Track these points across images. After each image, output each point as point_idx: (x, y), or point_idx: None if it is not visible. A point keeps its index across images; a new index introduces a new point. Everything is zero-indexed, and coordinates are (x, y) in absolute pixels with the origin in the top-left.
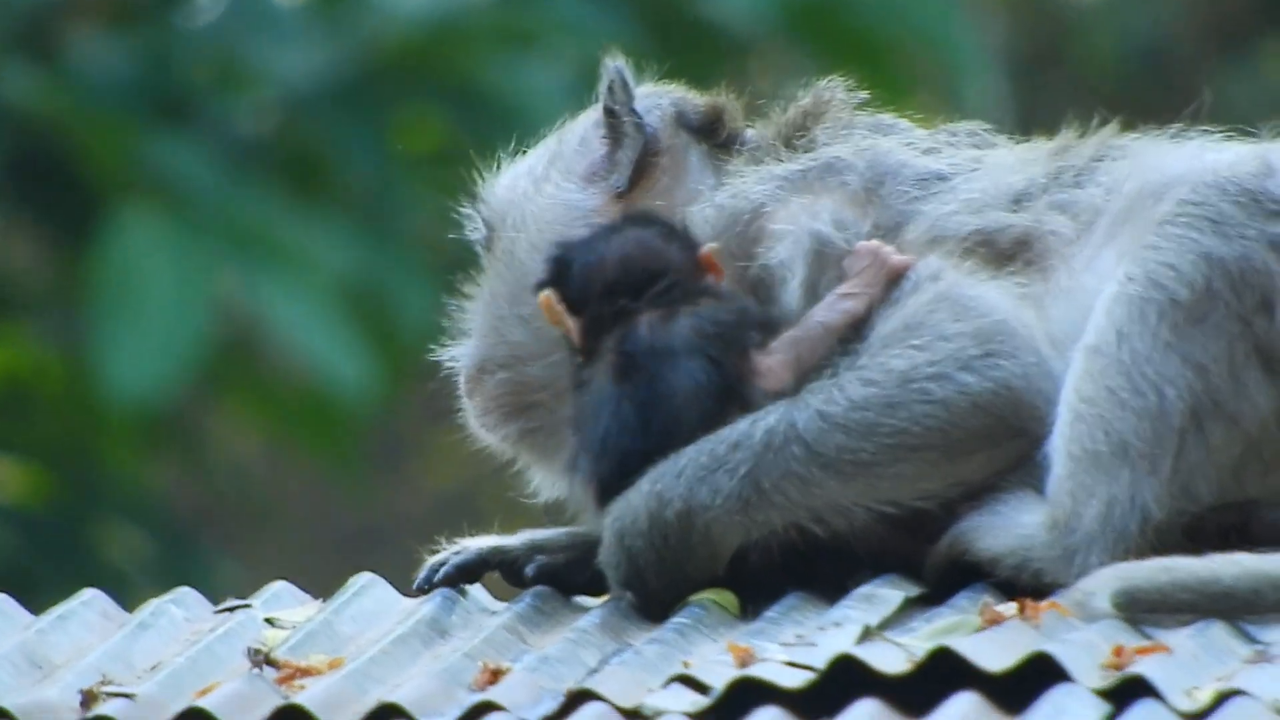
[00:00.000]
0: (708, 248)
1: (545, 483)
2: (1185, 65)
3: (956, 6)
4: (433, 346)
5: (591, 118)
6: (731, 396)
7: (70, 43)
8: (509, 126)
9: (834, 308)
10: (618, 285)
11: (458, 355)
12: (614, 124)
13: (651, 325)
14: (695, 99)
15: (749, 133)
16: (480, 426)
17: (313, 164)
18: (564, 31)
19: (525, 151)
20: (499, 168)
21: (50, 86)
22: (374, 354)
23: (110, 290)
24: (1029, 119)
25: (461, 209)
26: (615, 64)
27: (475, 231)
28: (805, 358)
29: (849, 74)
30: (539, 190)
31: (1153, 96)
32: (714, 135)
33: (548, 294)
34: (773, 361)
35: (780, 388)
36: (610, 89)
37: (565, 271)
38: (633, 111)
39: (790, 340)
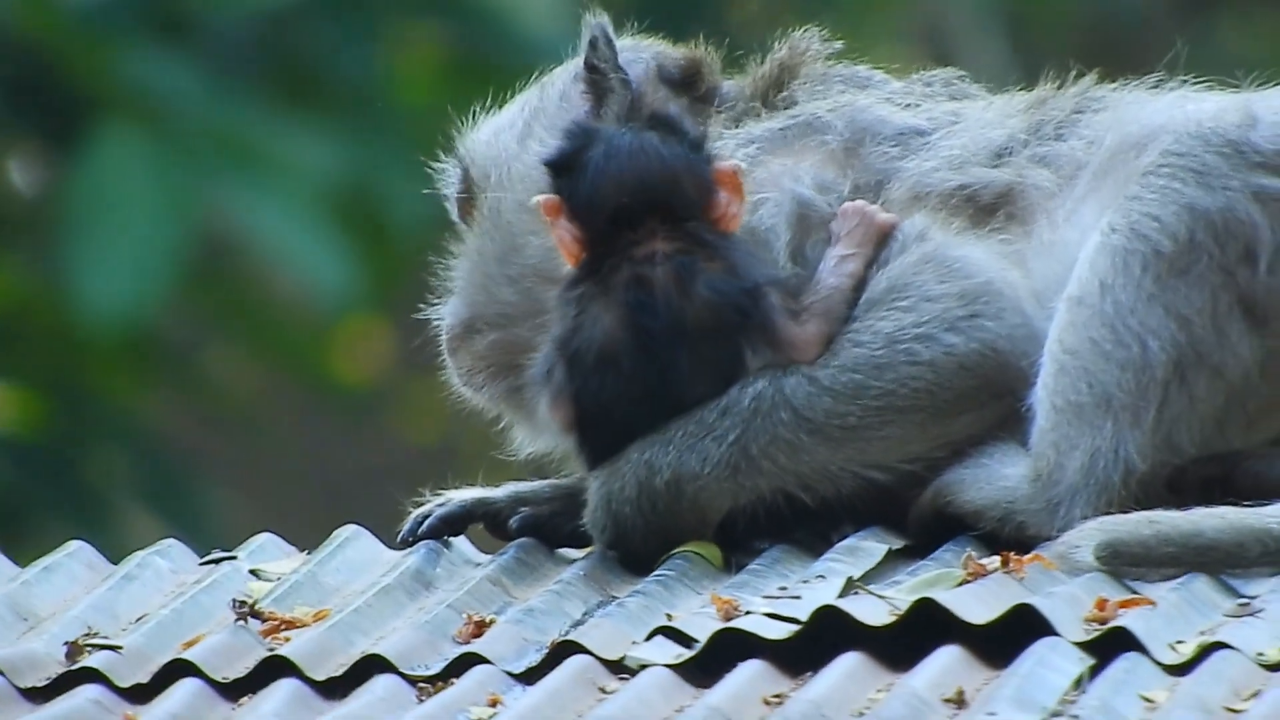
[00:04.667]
0: (728, 164)
1: (528, 438)
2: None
3: None
4: (419, 265)
5: (571, 71)
6: (742, 375)
7: None
8: (502, 38)
9: (838, 271)
10: (631, 211)
11: (443, 313)
12: (596, 80)
13: (667, 293)
14: (674, 52)
15: (727, 85)
16: (465, 384)
17: (301, 74)
18: None
19: (503, 104)
20: (476, 121)
21: (34, 3)
22: (360, 261)
23: (88, 208)
24: (1015, 74)
25: (441, 156)
26: (597, 20)
27: (451, 186)
28: (832, 326)
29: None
30: (523, 147)
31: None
32: (693, 89)
33: (547, 201)
34: (807, 334)
35: (813, 359)
36: (593, 45)
37: (574, 176)
38: (618, 68)
39: (821, 310)
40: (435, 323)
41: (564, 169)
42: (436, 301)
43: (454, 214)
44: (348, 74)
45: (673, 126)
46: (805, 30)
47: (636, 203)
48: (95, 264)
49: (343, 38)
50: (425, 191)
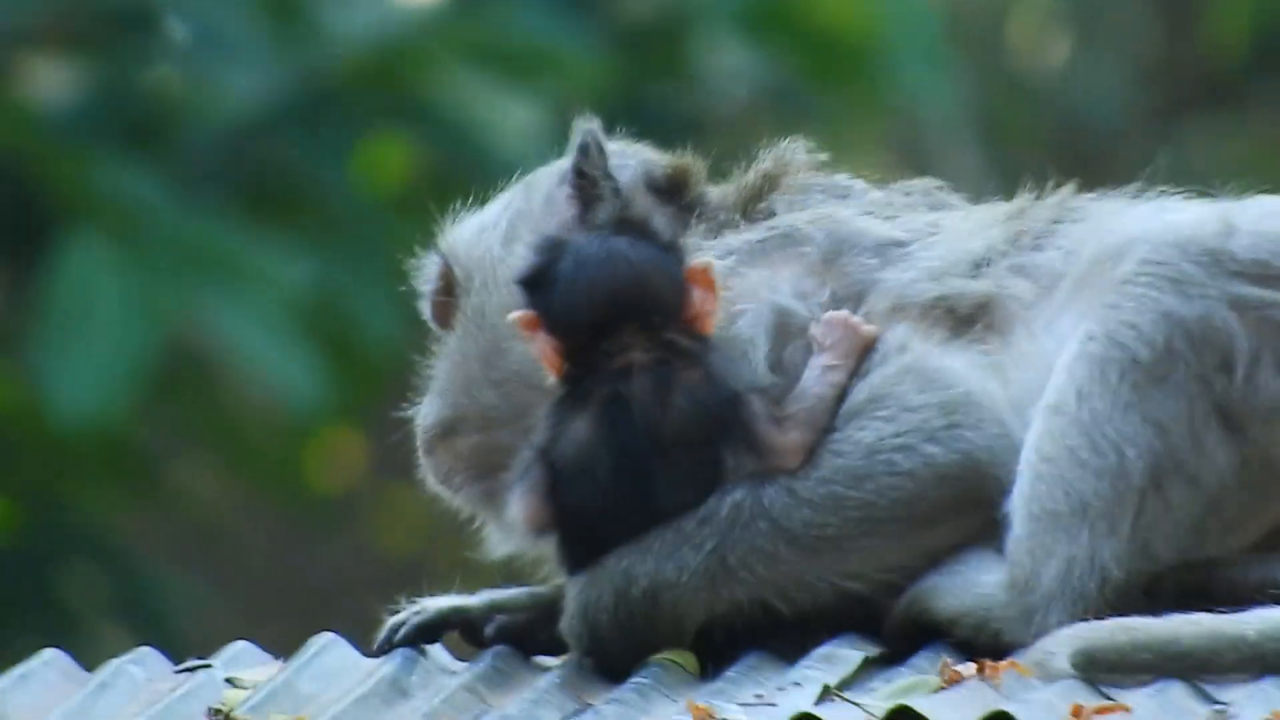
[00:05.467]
0: (700, 263)
1: (502, 541)
2: (1120, 144)
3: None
4: (391, 378)
5: (556, 174)
6: (719, 485)
7: (26, 69)
8: (476, 154)
9: (823, 380)
10: (604, 323)
11: (421, 411)
12: (584, 186)
13: (645, 407)
14: (661, 160)
15: (711, 193)
16: (442, 484)
17: (272, 184)
18: (533, 54)
19: (484, 201)
20: (458, 217)
21: (5, 112)
22: (331, 377)
23: (59, 316)
24: (991, 182)
25: (417, 256)
26: (588, 126)
27: (428, 283)
28: (815, 435)
29: (813, 77)
30: (508, 250)
31: (1095, 168)
32: (679, 197)
33: (524, 316)
34: (791, 442)
35: (796, 468)
36: (584, 150)
37: (546, 289)
38: (609, 176)
39: (805, 419)
40: (412, 425)
41: (535, 284)
42: (412, 405)
43: (427, 312)
44: (319, 186)
45: (642, 229)
46: (791, 141)
47: (609, 312)
48: (65, 372)
49: (314, 150)
50: (401, 289)
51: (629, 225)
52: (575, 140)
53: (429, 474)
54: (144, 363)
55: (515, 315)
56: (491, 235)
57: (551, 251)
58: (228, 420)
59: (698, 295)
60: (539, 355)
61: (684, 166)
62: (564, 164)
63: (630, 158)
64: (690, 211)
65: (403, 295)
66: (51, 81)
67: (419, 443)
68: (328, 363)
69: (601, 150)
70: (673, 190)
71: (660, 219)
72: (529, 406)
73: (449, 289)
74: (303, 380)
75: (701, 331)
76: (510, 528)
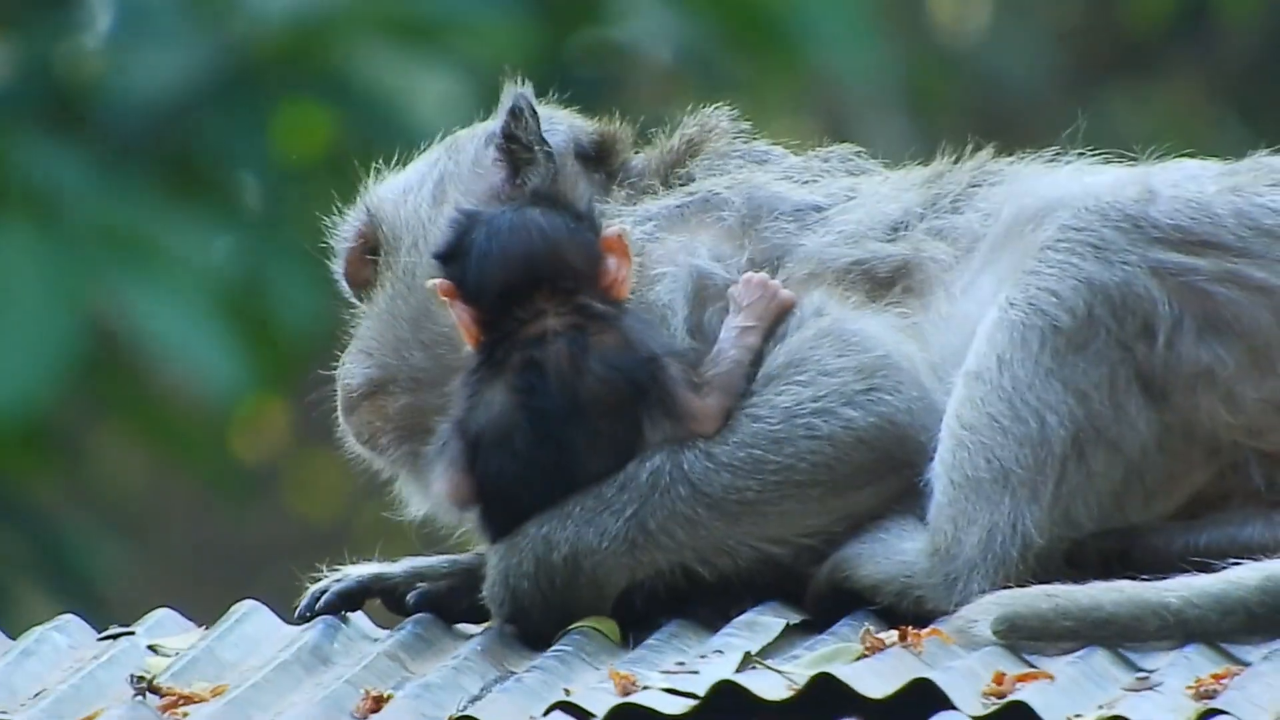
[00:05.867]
0: (613, 230)
1: (421, 504)
2: (1040, 110)
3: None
4: (312, 353)
5: (481, 135)
6: (637, 451)
7: None
8: (395, 126)
9: (738, 343)
10: (517, 289)
11: (348, 371)
12: (514, 150)
13: (560, 372)
14: (588, 126)
15: (637, 158)
16: (364, 444)
17: (192, 165)
18: (452, 25)
19: (406, 161)
20: (380, 175)
21: None
22: (250, 358)
23: None
24: (912, 148)
25: (338, 214)
26: (520, 90)
27: (345, 240)
28: (732, 400)
29: (732, 42)
30: (438, 211)
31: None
32: (604, 164)
33: (442, 284)
34: (708, 407)
35: (714, 432)
36: (515, 114)
37: (461, 260)
38: (542, 140)
39: (721, 383)
40: (333, 390)
41: (451, 256)
42: (334, 369)
43: (339, 268)
44: (238, 163)
45: (554, 199)
46: (716, 107)
47: (522, 279)
48: None
49: (233, 127)
50: (320, 264)
51: (542, 196)
52: (505, 103)
53: (351, 434)
54: (65, 347)
55: (432, 283)
56: (418, 196)
57: (466, 224)
58: (149, 395)
59: (612, 263)
60: (458, 324)
61: (610, 133)
62: (489, 126)
63: (559, 123)
64: (613, 178)
65: (322, 271)
66: None
67: (341, 402)
68: (247, 342)
69: (534, 114)
70: (599, 157)
71: (583, 185)
72: (456, 369)
73: (371, 247)
74: (222, 363)
75: (616, 298)
76: (434, 500)
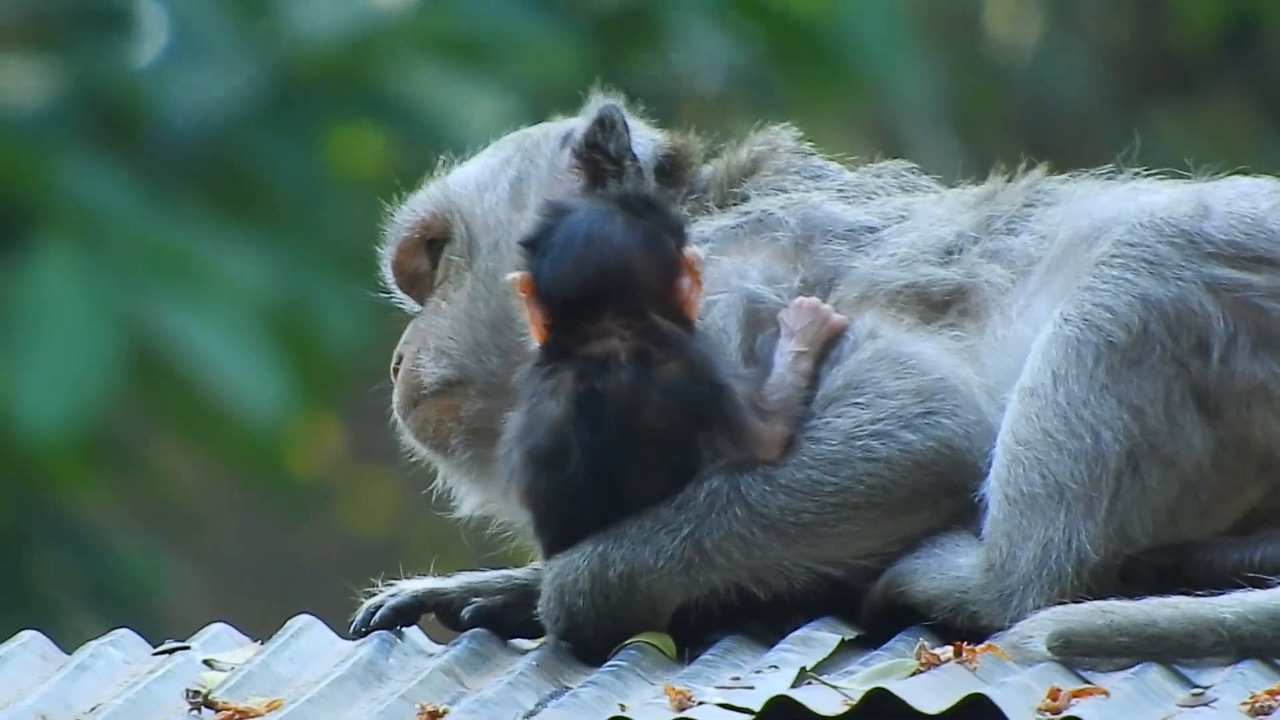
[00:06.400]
0: (691, 250)
1: (474, 503)
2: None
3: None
4: (361, 370)
5: (555, 138)
6: (693, 475)
7: None
8: (444, 145)
9: (794, 368)
10: (585, 303)
11: (422, 368)
12: (596, 159)
13: (619, 405)
14: (662, 139)
15: (703, 172)
16: (428, 442)
17: (240, 184)
18: (503, 45)
19: (470, 157)
20: (451, 168)
21: None
22: (294, 379)
23: (26, 320)
24: (962, 164)
25: (397, 206)
26: (611, 102)
27: (406, 227)
28: (794, 425)
29: (779, 61)
30: (518, 213)
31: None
32: (675, 179)
33: (521, 278)
34: (774, 433)
35: (778, 458)
36: (603, 124)
37: (539, 255)
38: (632, 154)
39: (784, 409)
40: (400, 379)
41: (533, 246)
42: (385, 385)
43: (391, 253)
44: (287, 183)
45: (645, 205)
46: (784, 126)
47: (591, 294)
48: (32, 375)
49: (282, 147)
50: (368, 288)
51: (631, 201)
52: (591, 112)
53: (412, 431)
54: (111, 369)
55: (512, 276)
56: (495, 194)
57: (553, 216)
58: (201, 411)
59: (686, 282)
60: (529, 320)
61: (684, 147)
62: (564, 128)
63: (642, 135)
64: (679, 192)
65: (368, 291)
66: (18, 80)
67: (406, 397)
68: (293, 362)
69: (626, 127)
70: (672, 171)
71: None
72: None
73: (433, 238)
74: (267, 383)
75: (686, 318)
76: (498, 503)
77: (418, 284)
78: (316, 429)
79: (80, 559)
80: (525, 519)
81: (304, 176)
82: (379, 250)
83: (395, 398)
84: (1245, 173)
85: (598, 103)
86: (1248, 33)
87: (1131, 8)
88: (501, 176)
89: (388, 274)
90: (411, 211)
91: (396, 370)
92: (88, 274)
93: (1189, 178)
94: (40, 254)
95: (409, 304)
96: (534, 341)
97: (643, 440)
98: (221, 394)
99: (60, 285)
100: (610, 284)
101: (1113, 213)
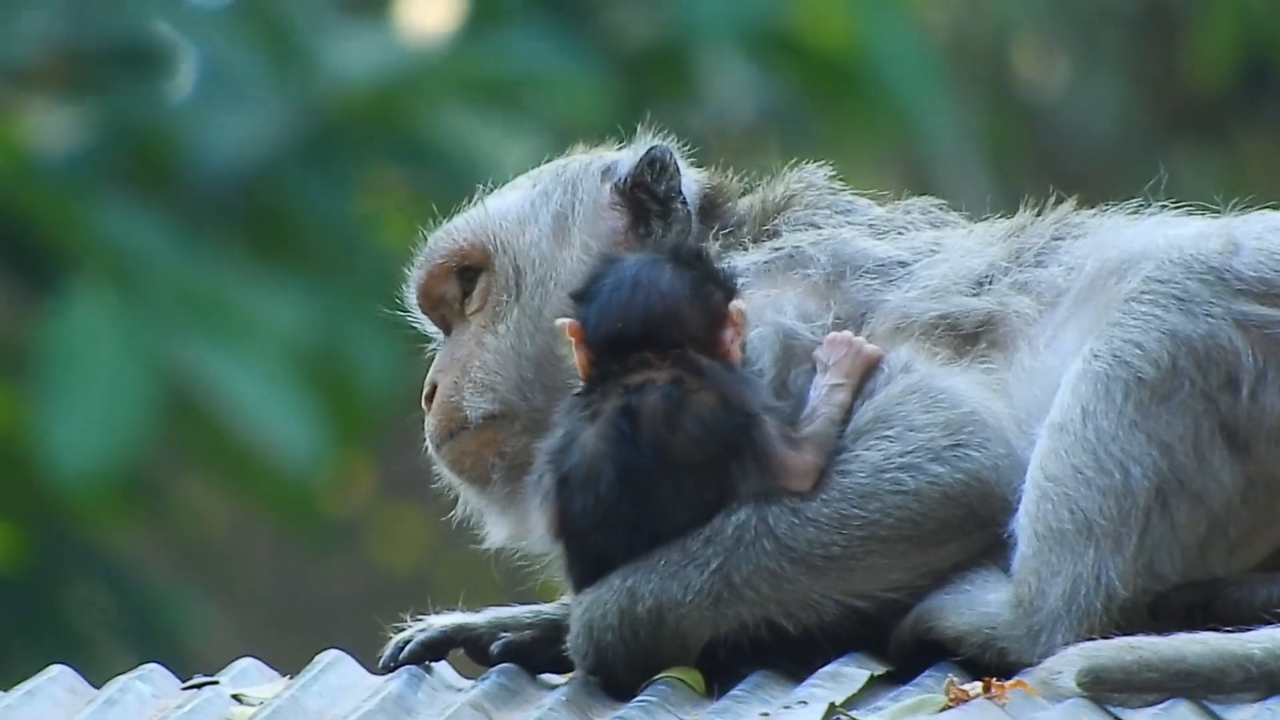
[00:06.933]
0: (737, 304)
1: (504, 535)
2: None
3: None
4: (392, 407)
5: (595, 172)
6: (726, 504)
7: (25, 110)
8: (477, 186)
9: (829, 400)
10: (627, 342)
11: (465, 401)
12: (641, 199)
13: (653, 427)
14: (703, 179)
15: (738, 208)
16: (464, 474)
17: (272, 226)
18: (535, 85)
19: (502, 186)
20: (487, 197)
21: (7, 156)
22: (328, 423)
23: (57, 363)
24: (991, 200)
25: (431, 231)
26: (663, 144)
27: (439, 253)
28: (826, 457)
29: (810, 97)
30: (565, 249)
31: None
32: (710, 216)
33: (571, 324)
34: (805, 464)
35: (809, 489)
36: (652, 165)
37: (586, 304)
38: (682, 198)
39: (816, 440)
40: (436, 409)
41: (581, 298)
42: (414, 424)
43: (419, 277)
44: (320, 226)
45: (695, 258)
46: (820, 164)
47: (634, 337)
48: (65, 415)
49: (315, 189)
50: (401, 331)
51: (682, 253)
52: (640, 151)
53: (447, 462)
54: (145, 408)
55: (562, 323)
56: (538, 229)
57: (604, 269)
58: (231, 450)
59: (729, 334)
60: (578, 365)
61: (720, 186)
62: (602, 161)
63: (688, 177)
64: (711, 228)
65: (402, 337)
66: (52, 123)
67: (444, 428)
68: (326, 405)
69: (677, 171)
70: (709, 209)
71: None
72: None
73: (468, 266)
74: (301, 427)
75: (726, 360)
76: (528, 532)
77: (442, 308)
78: (347, 466)
79: (112, 595)
80: (555, 549)
81: (338, 218)
82: (406, 272)
83: (429, 426)
84: (1274, 207)
85: (645, 141)
86: (1267, 71)
87: (1157, 47)
88: (543, 210)
89: (412, 295)
90: (448, 237)
91: (430, 398)
92: (122, 316)
93: (1217, 212)
94: (74, 296)
95: (427, 326)
96: (579, 381)
97: (674, 467)
98: (256, 437)
99: (94, 327)
100: (654, 326)
101: (1140, 246)
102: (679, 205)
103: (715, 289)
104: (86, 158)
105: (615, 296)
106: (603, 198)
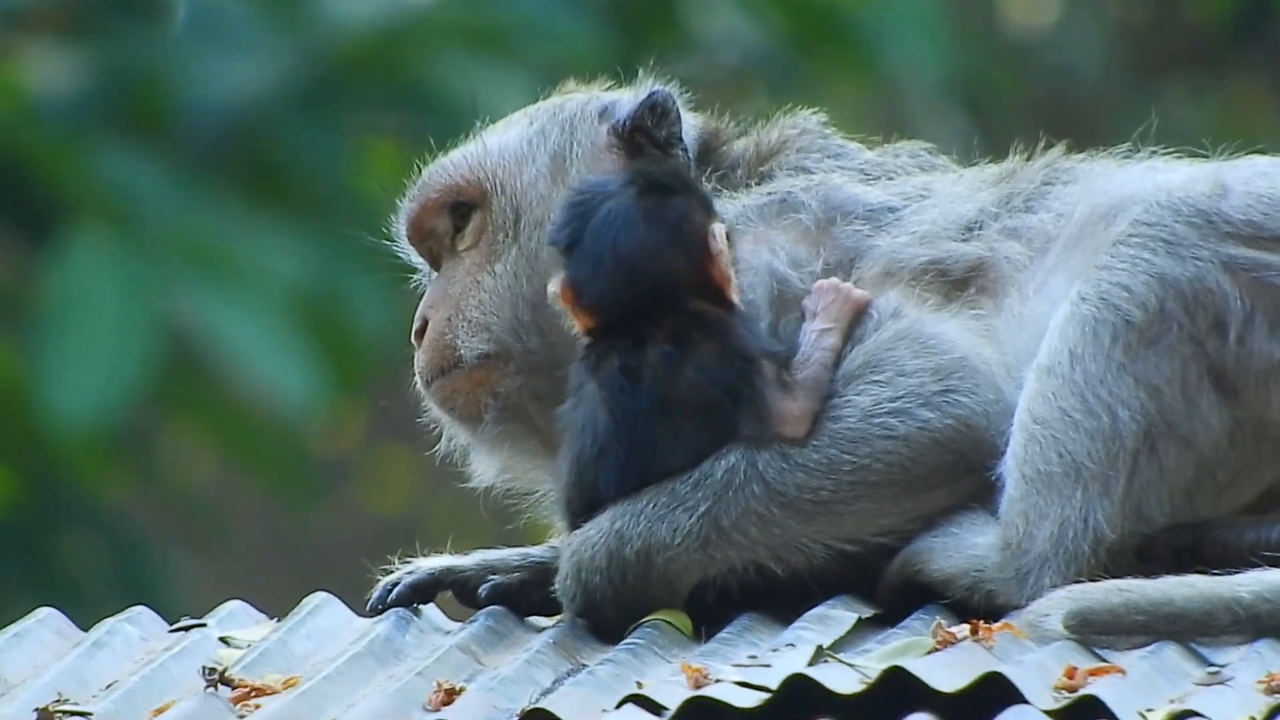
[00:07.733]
0: (716, 228)
1: (492, 474)
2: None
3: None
4: (385, 352)
5: (593, 112)
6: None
7: (23, 55)
8: (471, 132)
9: (819, 345)
10: (621, 300)
11: (459, 339)
12: (640, 142)
13: (654, 379)
14: (700, 124)
15: (732, 151)
16: (455, 412)
17: (270, 172)
18: (528, 31)
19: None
20: (480, 134)
21: (5, 103)
22: (325, 369)
23: (58, 308)
24: (977, 144)
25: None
26: (664, 89)
27: (433, 188)
28: (819, 403)
29: (803, 43)
30: (559, 189)
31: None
32: (705, 160)
33: (563, 290)
34: (799, 410)
35: (802, 435)
36: (653, 109)
37: (573, 266)
38: (683, 145)
39: (810, 387)
40: (428, 346)
41: (565, 252)
42: (405, 366)
43: (409, 211)
44: (316, 172)
45: (666, 186)
46: (814, 111)
47: (631, 299)
48: (64, 363)
49: (312, 136)
50: (396, 277)
51: (654, 184)
52: (642, 95)
53: (438, 399)
54: (142, 358)
55: (553, 290)
56: (534, 169)
57: (579, 211)
58: (222, 393)
59: (719, 261)
60: (572, 320)
61: (716, 129)
62: (598, 101)
63: (687, 122)
64: (706, 171)
65: (397, 280)
66: (49, 67)
67: (436, 366)
68: (322, 351)
69: (678, 117)
70: (703, 153)
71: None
72: (565, 360)
73: (462, 202)
74: (296, 372)
75: (725, 297)
76: (514, 470)
77: (431, 241)
78: (343, 415)
79: (101, 539)
80: (553, 493)
81: (332, 166)
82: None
83: (420, 362)
84: (1263, 152)
85: (646, 85)
86: (1264, 12)
87: None
88: (540, 150)
89: (402, 226)
90: (444, 172)
91: (420, 334)
92: (120, 264)
93: (1206, 156)
94: (73, 243)
95: (413, 258)
96: (579, 332)
97: (672, 411)
98: (252, 383)
99: (92, 274)
100: (648, 293)
101: (1130, 191)
102: (679, 151)
103: (694, 214)
104: (84, 102)
105: (601, 266)
106: (600, 139)
